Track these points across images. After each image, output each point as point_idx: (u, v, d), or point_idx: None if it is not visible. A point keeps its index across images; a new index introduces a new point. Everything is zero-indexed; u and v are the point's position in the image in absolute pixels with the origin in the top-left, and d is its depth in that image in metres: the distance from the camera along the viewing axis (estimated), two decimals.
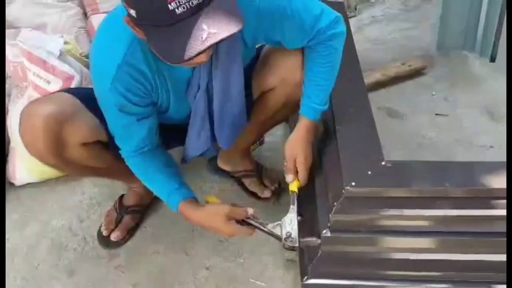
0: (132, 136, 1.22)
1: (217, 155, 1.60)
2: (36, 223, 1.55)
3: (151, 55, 1.09)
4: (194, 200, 1.24)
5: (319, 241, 1.18)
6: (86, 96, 1.23)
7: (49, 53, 1.48)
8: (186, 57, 0.89)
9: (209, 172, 1.66)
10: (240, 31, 0.91)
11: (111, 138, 1.25)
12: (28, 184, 1.66)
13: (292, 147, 1.28)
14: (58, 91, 1.36)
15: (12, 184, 1.66)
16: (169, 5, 0.86)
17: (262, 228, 1.19)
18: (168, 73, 1.16)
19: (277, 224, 1.19)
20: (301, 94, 1.26)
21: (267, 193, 1.55)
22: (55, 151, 1.21)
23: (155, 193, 1.29)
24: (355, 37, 1.81)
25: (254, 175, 1.57)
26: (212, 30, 0.89)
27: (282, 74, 1.26)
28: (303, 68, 1.24)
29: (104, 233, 1.46)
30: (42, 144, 1.18)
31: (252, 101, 1.36)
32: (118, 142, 1.24)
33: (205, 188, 1.62)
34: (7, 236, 1.51)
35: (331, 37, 1.17)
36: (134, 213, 1.51)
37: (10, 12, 1.73)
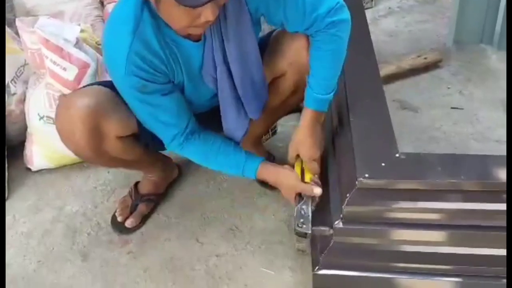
0: (166, 120, 1.21)
1: None
2: (51, 208, 1.58)
3: (161, 34, 1.11)
4: (267, 162, 1.30)
5: (331, 231, 1.18)
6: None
7: (66, 40, 1.49)
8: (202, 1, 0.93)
9: None
10: None
11: (142, 130, 1.26)
12: (44, 169, 1.68)
13: (295, 139, 1.30)
14: (94, 83, 1.35)
15: (29, 169, 1.68)
16: None
17: (307, 206, 1.21)
18: (179, 53, 1.16)
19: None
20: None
21: None
22: (92, 144, 1.22)
23: (226, 171, 1.34)
24: (371, 29, 1.79)
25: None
26: None
27: (290, 58, 1.27)
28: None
29: (119, 219, 1.48)
30: (80, 136, 1.20)
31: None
32: (160, 136, 1.25)
33: (220, 176, 1.63)
34: (23, 220, 1.54)
35: (331, 25, 1.15)
36: (149, 202, 1.52)
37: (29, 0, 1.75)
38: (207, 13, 0.99)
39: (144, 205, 1.51)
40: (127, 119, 1.25)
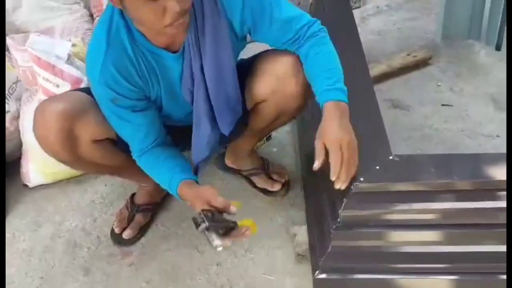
0: (133, 134, 1.24)
1: (225, 152, 1.63)
2: (50, 223, 1.58)
3: (136, 44, 1.14)
4: (194, 182, 1.24)
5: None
6: None
7: (58, 57, 1.50)
8: None
9: (219, 169, 1.68)
10: None
11: (118, 136, 1.28)
12: (41, 185, 1.69)
13: (319, 130, 1.14)
14: (71, 90, 1.39)
15: (26, 186, 1.69)
16: None
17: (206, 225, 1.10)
18: (157, 64, 1.18)
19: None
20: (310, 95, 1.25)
21: (276, 186, 1.57)
22: (67, 146, 1.23)
23: (160, 184, 1.28)
24: (360, 28, 1.81)
25: (261, 172, 1.59)
26: None
27: (272, 86, 1.25)
28: (295, 78, 1.23)
29: (117, 230, 1.49)
30: (55, 139, 1.22)
31: (247, 110, 1.36)
32: (128, 142, 1.27)
33: (215, 182, 1.64)
34: (23, 237, 1.54)
35: (312, 34, 1.20)
36: (145, 211, 1.53)
37: (18, 17, 1.74)
38: (171, 4, 0.99)
39: (140, 216, 1.52)
40: (102, 123, 1.25)
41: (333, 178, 1.09)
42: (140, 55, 1.16)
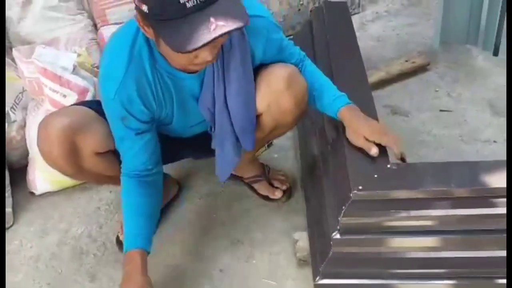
0: (130, 153, 1.26)
1: None
2: (57, 231, 1.61)
3: (155, 64, 1.16)
4: (145, 254, 1.26)
5: None
6: (100, 107, 1.28)
7: (63, 68, 1.53)
8: (195, 46, 0.95)
9: None
10: (245, 26, 0.99)
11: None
12: (47, 193, 1.72)
13: (349, 133, 1.28)
14: (74, 104, 1.42)
15: (32, 194, 1.72)
16: None
17: None
18: (172, 84, 1.21)
19: None
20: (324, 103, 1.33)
21: (278, 194, 1.60)
22: (70, 160, 1.27)
23: (124, 223, 1.31)
24: (359, 34, 1.84)
25: (263, 179, 1.62)
26: (219, 23, 0.96)
27: (268, 99, 1.28)
28: (288, 91, 1.26)
29: (121, 238, 1.51)
30: (57, 153, 1.25)
31: None
32: (122, 157, 1.29)
33: (218, 189, 1.67)
34: (30, 244, 1.57)
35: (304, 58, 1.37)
36: None
37: (23, 27, 1.78)
38: (205, 54, 1.04)
39: None
40: (104, 136, 1.28)
41: (398, 156, 1.23)
42: (158, 77, 1.18)
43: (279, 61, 1.28)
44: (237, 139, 1.32)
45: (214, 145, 1.36)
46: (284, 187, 1.61)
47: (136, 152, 1.26)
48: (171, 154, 1.45)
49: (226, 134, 1.30)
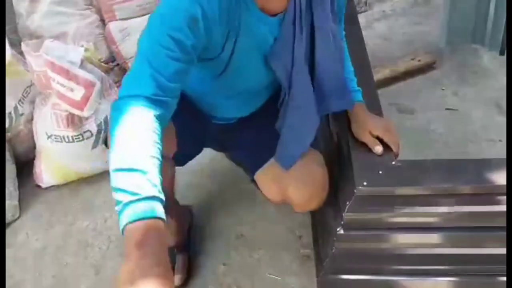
0: (157, 71, 0.91)
1: None
2: (62, 223, 1.63)
3: None
4: (161, 223, 0.80)
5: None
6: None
7: (71, 62, 1.54)
8: None
9: None
10: None
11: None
12: (53, 186, 1.73)
13: (356, 127, 1.24)
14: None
15: (38, 186, 1.73)
16: None
17: None
18: (248, 25, 1.02)
19: None
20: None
21: None
22: None
23: (112, 180, 0.82)
24: (366, 33, 1.84)
25: None
26: None
27: (284, 200, 1.27)
28: (312, 204, 1.26)
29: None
30: None
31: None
32: (131, 79, 0.93)
33: (223, 185, 1.68)
34: (35, 237, 1.59)
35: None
36: (183, 252, 1.44)
37: (32, 21, 1.80)
38: None
39: (180, 257, 1.41)
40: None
41: (398, 153, 1.21)
42: (243, 6, 0.99)
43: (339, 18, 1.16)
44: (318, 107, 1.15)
45: (279, 125, 1.17)
46: None
47: (166, 72, 0.92)
48: (196, 143, 1.30)
49: (307, 99, 1.12)
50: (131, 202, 0.79)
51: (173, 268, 1.29)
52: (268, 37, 1.07)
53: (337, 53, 1.15)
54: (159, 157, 0.85)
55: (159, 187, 0.82)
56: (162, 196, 0.82)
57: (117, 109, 0.89)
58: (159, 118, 0.90)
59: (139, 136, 0.85)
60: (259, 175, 1.29)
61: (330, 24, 1.09)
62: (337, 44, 1.14)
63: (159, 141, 0.87)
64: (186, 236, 1.46)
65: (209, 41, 0.99)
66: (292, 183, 1.23)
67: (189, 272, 1.42)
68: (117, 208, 0.80)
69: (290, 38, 1.06)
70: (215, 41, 1.01)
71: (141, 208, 0.78)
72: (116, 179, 0.82)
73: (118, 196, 0.80)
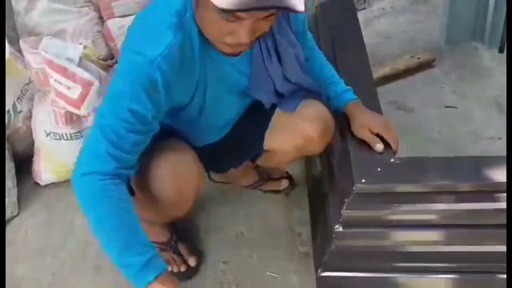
0: (110, 145, 0.99)
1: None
2: (62, 221, 1.62)
3: (204, 46, 1.04)
4: (169, 274, 1.06)
5: None
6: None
7: (70, 60, 1.54)
8: (243, 6, 0.86)
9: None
10: (303, 12, 0.94)
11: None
12: (52, 183, 1.73)
13: (355, 126, 1.28)
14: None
15: (37, 184, 1.73)
16: None
17: None
18: (217, 71, 1.10)
19: None
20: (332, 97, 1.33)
21: (284, 184, 1.61)
22: None
23: (108, 248, 1.05)
24: (365, 31, 1.83)
25: (263, 182, 1.61)
26: None
27: (295, 143, 1.28)
28: (323, 139, 1.28)
29: (182, 268, 1.41)
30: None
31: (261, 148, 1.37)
32: (90, 148, 1.03)
33: (224, 186, 1.67)
34: (35, 235, 1.58)
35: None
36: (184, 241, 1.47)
37: (30, 19, 1.79)
38: (242, 33, 0.95)
39: (182, 244, 1.44)
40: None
41: (397, 150, 1.24)
42: (204, 56, 1.06)
43: (302, 42, 1.24)
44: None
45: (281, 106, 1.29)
46: (284, 174, 1.62)
47: (125, 145, 1.00)
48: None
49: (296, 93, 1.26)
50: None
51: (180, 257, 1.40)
52: (236, 76, 1.16)
53: (302, 71, 1.23)
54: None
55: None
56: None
57: (83, 190, 1.04)
58: (123, 186, 1.04)
59: (123, 227, 1.04)
60: (268, 136, 1.33)
61: (290, 49, 1.18)
62: (301, 63, 1.22)
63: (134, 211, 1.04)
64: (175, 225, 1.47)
65: (172, 100, 1.06)
66: (304, 120, 1.26)
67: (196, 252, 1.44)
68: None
69: (262, 67, 1.16)
70: (180, 96, 1.09)
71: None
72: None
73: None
